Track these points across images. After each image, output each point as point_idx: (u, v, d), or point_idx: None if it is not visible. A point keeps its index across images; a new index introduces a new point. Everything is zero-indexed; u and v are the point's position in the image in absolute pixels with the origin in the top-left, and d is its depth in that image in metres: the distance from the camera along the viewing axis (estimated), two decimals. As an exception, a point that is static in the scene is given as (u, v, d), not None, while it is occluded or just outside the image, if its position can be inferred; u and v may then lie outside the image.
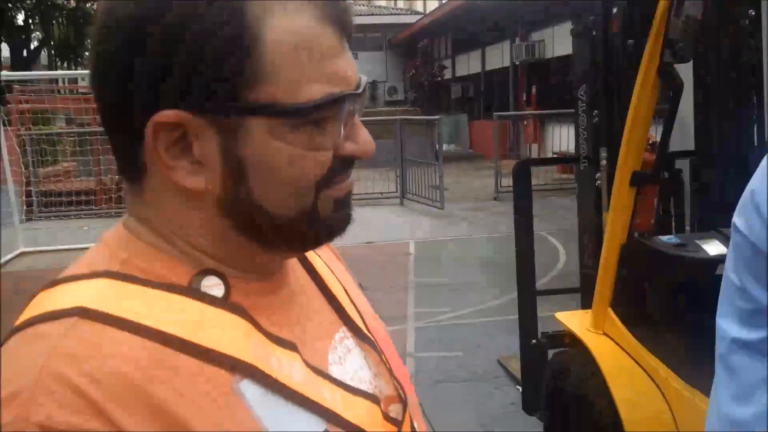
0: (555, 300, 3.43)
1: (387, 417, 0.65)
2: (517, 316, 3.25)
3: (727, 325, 1.16)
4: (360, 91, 0.58)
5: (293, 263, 0.70)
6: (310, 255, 0.74)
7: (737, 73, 2.66)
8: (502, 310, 5.34)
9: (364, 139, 0.60)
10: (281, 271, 0.66)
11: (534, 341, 3.07)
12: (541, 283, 4.79)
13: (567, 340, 2.84)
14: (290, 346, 0.60)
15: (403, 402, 0.68)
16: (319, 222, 0.60)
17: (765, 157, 1.08)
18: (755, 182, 1.07)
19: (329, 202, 0.60)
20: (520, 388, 3.37)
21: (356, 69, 0.59)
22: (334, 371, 0.64)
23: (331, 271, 0.75)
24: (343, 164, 0.60)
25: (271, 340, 0.58)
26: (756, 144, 2.68)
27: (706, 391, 1.24)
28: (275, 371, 0.56)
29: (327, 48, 0.55)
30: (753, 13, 2.64)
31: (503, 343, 4.53)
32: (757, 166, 1.09)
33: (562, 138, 12.08)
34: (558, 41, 14.52)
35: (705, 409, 1.25)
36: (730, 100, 2.67)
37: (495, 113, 13.35)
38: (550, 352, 2.96)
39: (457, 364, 4.43)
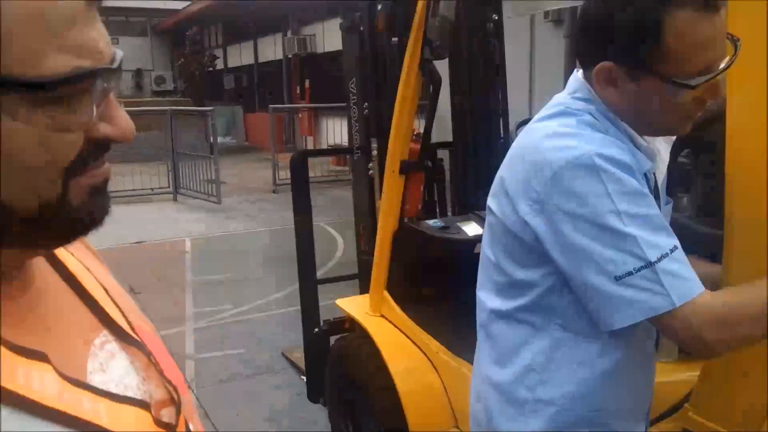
0: (339, 288, 3.51)
1: (159, 422, 0.60)
2: (300, 306, 3.28)
3: (486, 297, 1.28)
4: (115, 66, 0.52)
5: (39, 262, 0.61)
6: (61, 253, 0.65)
7: (485, 70, 2.96)
8: (285, 302, 5.35)
9: (121, 121, 0.54)
10: (25, 273, 0.57)
11: (316, 330, 3.13)
12: (321, 273, 4.88)
13: (347, 325, 2.93)
14: (39, 356, 0.52)
15: (177, 404, 0.63)
16: (70, 214, 0.53)
17: (512, 146, 1.21)
18: (504, 169, 1.20)
19: (82, 191, 0.53)
20: (304, 378, 3.41)
21: (109, 42, 0.53)
22: (96, 379, 0.57)
23: (88, 269, 0.67)
24: (97, 148, 0.53)
25: (15, 351, 0.50)
26: (502, 135, 3.01)
27: (471, 360, 1.37)
28: (22, 387, 0.49)
29: (69, 13, 0.48)
30: (496, 17, 2.95)
31: (287, 335, 4.55)
32: (505, 154, 1.23)
33: (336, 130, 12.45)
34: (330, 36, 14.89)
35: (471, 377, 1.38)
36: (480, 94, 2.97)
37: (270, 106, 13.29)
38: (334, 340, 3.03)
39: (241, 361, 4.34)
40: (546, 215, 1.07)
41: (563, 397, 1.17)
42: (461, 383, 2.17)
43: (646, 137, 1.17)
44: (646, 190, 1.06)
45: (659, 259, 0.99)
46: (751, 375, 1.22)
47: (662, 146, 1.27)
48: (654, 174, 1.19)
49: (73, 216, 0.53)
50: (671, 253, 1.01)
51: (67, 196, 0.52)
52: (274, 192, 11.07)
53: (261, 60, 20.16)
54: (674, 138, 1.33)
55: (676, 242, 1.03)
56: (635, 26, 1.01)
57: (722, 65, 1.02)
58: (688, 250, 1.55)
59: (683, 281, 1.01)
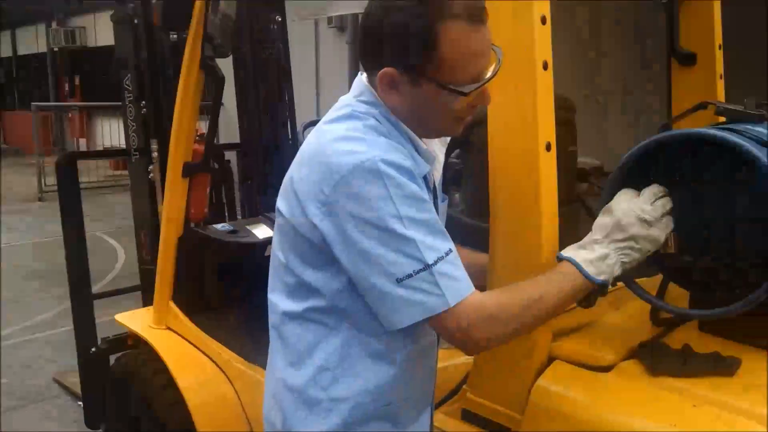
0: (121, 303, 3.23)
1: None
2: (73, 325, 2.97)
3: (278, 299, 1.26)
4: None
5: None
6: None
7: (270, 71, 2.93)
8: (56, 322, 4.83)
9: None
10: None
11: (93, 349, 2.85)
12: (99, 287, 4.48)
13: (130, 341, 2.71)
14: None
15: None
16: None
17: (301, 148, 1.20)
18: (293, 170, 1.19)
19: None
20: (81, 403, 3.09)
21: None
22: None
23: None
24: None
25: None
26: (290, 136, 3.00)
27: (265, 365, 1.33)
28: None
29: None
30: (279, 18, 2.94)
31: (59, 358, 4.11)
32: (293, 156, 1.21)
33: (113, 131, 11.52)
34: (104, 28, 13.71)
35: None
36: (266, 95, 2.93)
37: (33, 104, 11.89)
38: (114, 359, 2.78)
39: (5, 391, 3.81)
40: (333, 218, 1.08)
41: (357, 394, 1.19)
42: (257, 391, 2.11)
43: (424, 139, 1.23)
44: (426, 193, 1.11)
45: (436, 262, 1.05)
46: (516, 354, 1.35)
47: (437, 147, 1.34)
48: (432, 175, 1.26)
49: None
50: (446, 255, 1.07)
51: None
52: (40, 200, 9.95)
53: (21, 52, 17.96)
54: (448, 139, 1.42)
55: (451, 245, 1.09)
56: (413, 35, 1.06)
57: (489, 74, 1.11)
58: (462, 242, 1.68)
59: (457, 282, 1.07)
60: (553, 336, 1.38)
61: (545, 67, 1.27)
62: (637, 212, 1.17)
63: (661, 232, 1.18)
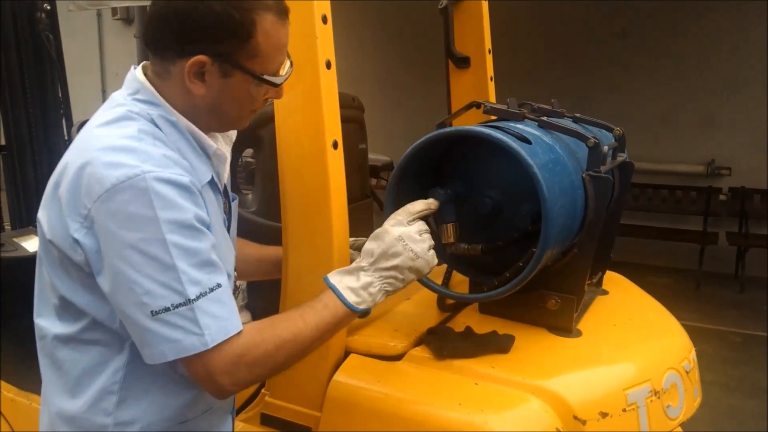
0: None
1: None
2: None
3: (46, 323, 1.11)
4: None
5: None
6: None
7: (38, 64, 2.63)
8: None
9: None
10: None
11: None
12: None
13: None
14: None
15: None
16: None
17: (67, 152, 1.07)
18: (56, 176, 1.05)
19: None
20: None
21: None
22: None
23: None
24: None
25: None
26: (66, 136, 2.73)
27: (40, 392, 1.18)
28: None
29: None
30: (48, 7, 2.65)
31: None
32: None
33: None
34: None
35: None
36: (35, 91, 2.63)
37: None
38: None
39: None
40: (93, 235, 0.98)
41: (147, 414, 1.10)
42: (33, 420, 1.89)
43: (216, 138, 1.17)
44: (204, 209, 1.03)
45: (198, 297, 0.97)
46: (313, 354, 1.34)
47: (224, 146, 1.29)
48: (222, 175, 1.20)
49: None
50: (212, 291, 0.99)
51: None
52: None
53: None
54: (234, 136, 1.37)
55: (222, 279, 1.01)
56: (232, 23, 1.01)
57: (288, 67, 1.11)
58: (258, 242, 1.64)
59: (220, 322, 0.99)
60: (348, 330, 1.40)
61: (328, 66, 1.28)
62: (404, 242, 1.16)
63: (426, 265, 1.18)
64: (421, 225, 1.21)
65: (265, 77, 1.07)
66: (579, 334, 1.43)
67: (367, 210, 1.98)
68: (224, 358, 0.99)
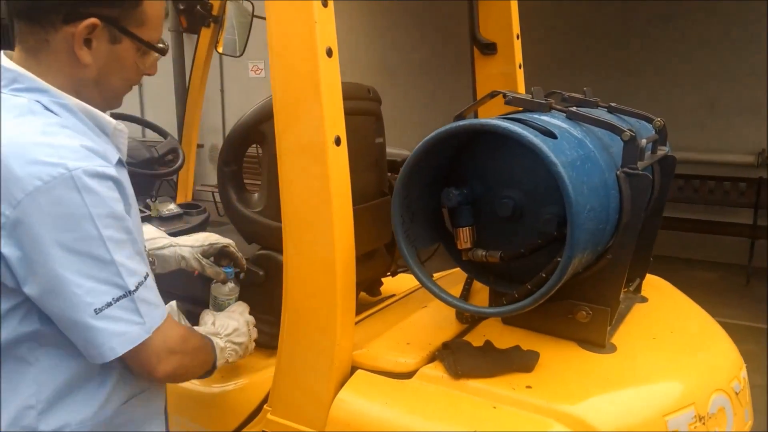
0: None
1: None
2: None
3: None
4: None
5: None
6: None
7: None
8: None
9: None
10: None
11: None
12: None
13: None
14: None
15: None
16: None
17: None
18: None
19: None
20: None
21: None
22: None
23: None
24: None
25: None
26: None
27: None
28: None
29: None
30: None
31: None
32: None
33: None
34: None
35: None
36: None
37: None
38: None
39: None
40: (17, 240, 0.89)
41: (73, 414, 1.00)
42: None
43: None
44: (120, 195, 0.97)
45: (137, 287, 0.96)
46: (318, 366, 1.24)
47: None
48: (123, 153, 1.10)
49: None
50: (146, 279, 0.98)
51: None
52: None
53: None
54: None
55: (148, 268, 1.01)
56: None
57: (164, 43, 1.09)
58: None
59: (155, 309, 0.99)
60: (356, 344, 1.29)
61: (329, 53, 1.16)
62: (248, 329, 1.34)
63: (249, 349, 1.34)
64: (252, 319, 1.38)
65: (152, 44, 1.05)
66: (613, 349, 1.28)
67: (384, 208, 1.85)
68: (162, 343, 1.00)
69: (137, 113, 8.54)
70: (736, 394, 1.28)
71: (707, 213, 5.86)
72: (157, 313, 0.99)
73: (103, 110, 1.07)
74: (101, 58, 1.01)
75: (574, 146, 1.14)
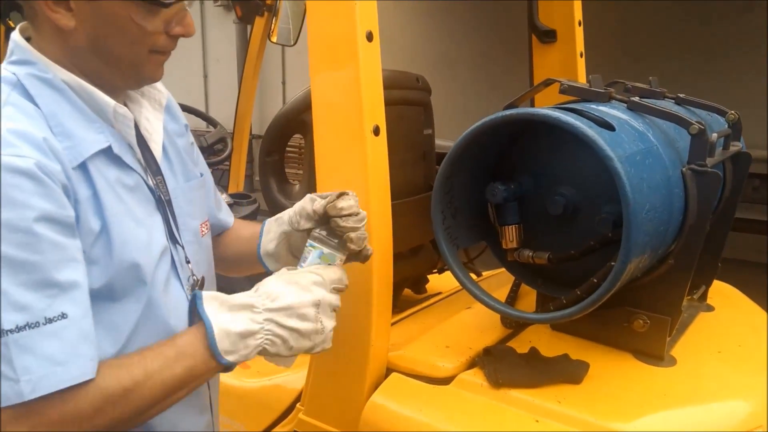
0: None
1: None
2: None
3: None
4: None
5: None
6: None
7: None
8: None
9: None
10: None
11: None
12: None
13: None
14: None
15: None
16: None
17: None
18: None
19: None
20: None
21: None
22: None
23: None
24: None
25: None
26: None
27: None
28: None
29: None
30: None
31: None
32: None
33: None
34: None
35: None
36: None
37: None
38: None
39: None
40: None
41: None
42: None
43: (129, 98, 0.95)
44: (69, 204, 0.78)
45: (19, 329, 0.72)
46: (352, 367, 1.18)
47: (150, 111, 1.01)
48: (134, 146, 0.92)
49: None
50: (50, 323, 0.73)
51: None
52: None
53: None
54: (165, 103, 1.04)
55: (69, 308, 0.75)
56: None
57: None
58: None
59: (50, 366, 0.73)
60: (392, 345, 1.22)
61: (369, 38, 1.09)
62: (318, 309, 0.90)
63: (323, 345, 0.92)
64: (338, 300, 0.94)
65: None
66: (673, 362, 1.17)
67: (432, 203, 1.79)
68: (60, 412, 0.74)
69: (201, 105, 8.74)
70: (813, 418, 1.15)
71: (785, 215, 5.51)
72: (49, 372, 0.72)
73: (125, 87, 0.94)
74: (86, 19, 0.84)
75: (634, 139, 1.04)
